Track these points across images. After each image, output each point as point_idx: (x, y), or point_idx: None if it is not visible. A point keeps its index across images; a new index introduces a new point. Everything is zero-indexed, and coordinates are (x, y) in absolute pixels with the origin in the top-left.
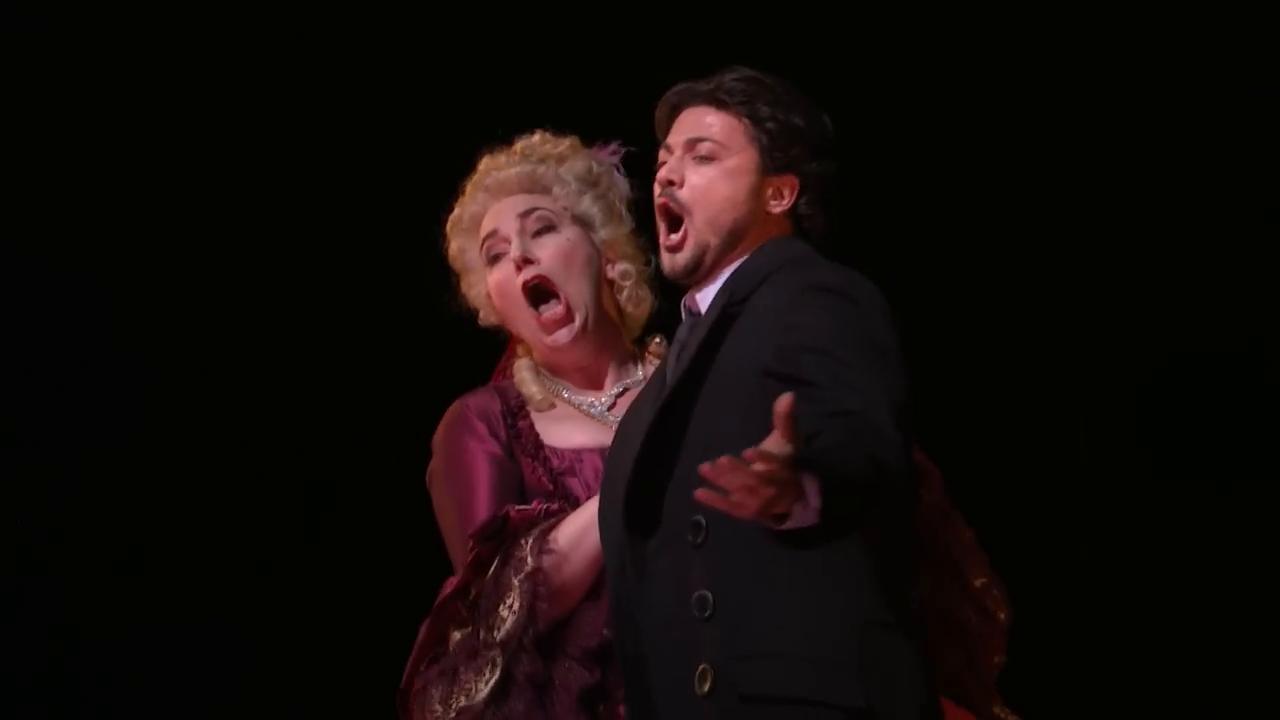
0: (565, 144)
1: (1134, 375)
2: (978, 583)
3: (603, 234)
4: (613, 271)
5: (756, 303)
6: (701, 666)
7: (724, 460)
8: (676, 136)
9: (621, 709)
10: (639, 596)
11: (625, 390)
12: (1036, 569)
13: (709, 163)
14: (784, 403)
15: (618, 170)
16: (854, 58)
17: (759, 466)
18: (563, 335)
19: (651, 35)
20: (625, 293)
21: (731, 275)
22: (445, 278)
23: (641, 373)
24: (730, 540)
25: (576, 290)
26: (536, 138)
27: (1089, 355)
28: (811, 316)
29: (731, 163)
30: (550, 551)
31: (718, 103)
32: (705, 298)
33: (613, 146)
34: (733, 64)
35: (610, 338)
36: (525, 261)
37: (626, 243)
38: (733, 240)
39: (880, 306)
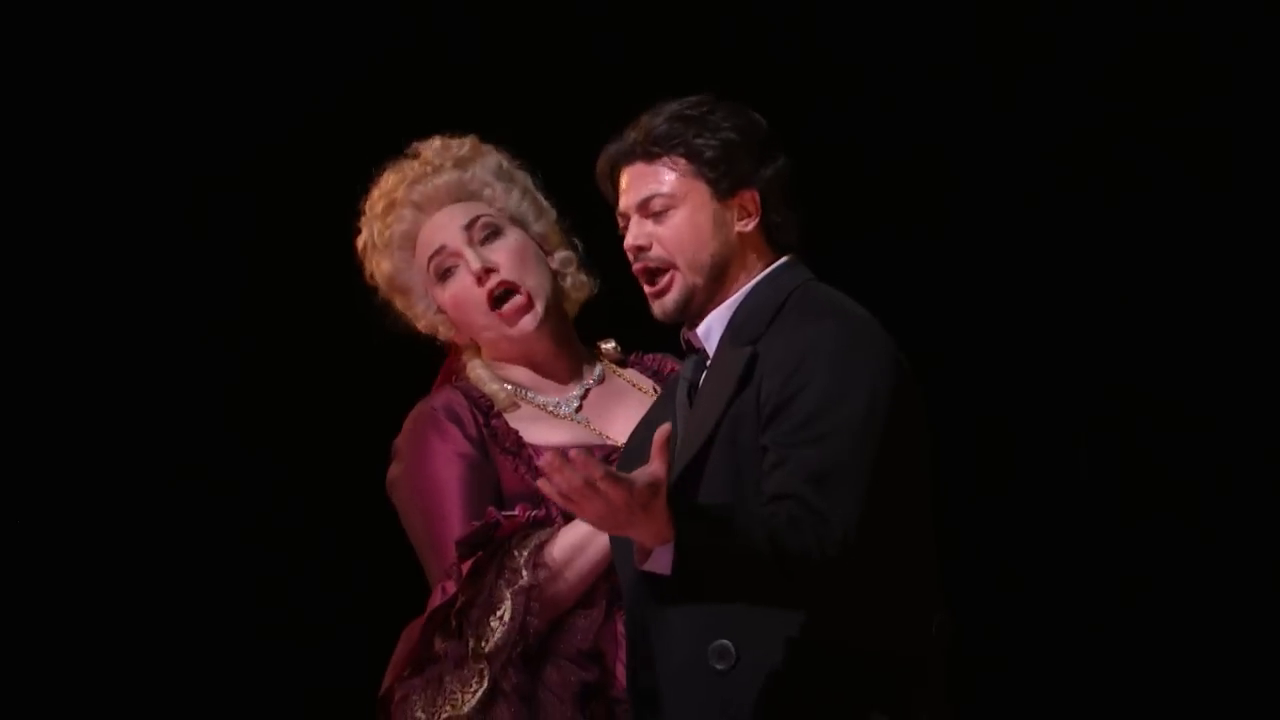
0: (468, 144)
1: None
2: None
3: (536, 228)
4: (554, 262)
5: (766, 350)
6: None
7: (551, 456)
8: (626, 202)
9: (613, 709)
10: (656, 638)
11: (588, 391)
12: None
13: (666, 215)
14: (661, 434)
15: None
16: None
17: (580, 472)
18: (528, 322)
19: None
20: (569, 279)
21: (734, 317)
22: (369, 297)
23: (599, 372)
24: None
25: (536, 283)
26: (438, 143)
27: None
28: (805, 380)
29: (688, 206)
30: (545, 566)
31: (648, 155)
32: (707, 333)
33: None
34: (665, 96)
35: (566, 332)
36: (486, 272)
37: (557, 231)
38: (717, 274)
39: (872, 354)
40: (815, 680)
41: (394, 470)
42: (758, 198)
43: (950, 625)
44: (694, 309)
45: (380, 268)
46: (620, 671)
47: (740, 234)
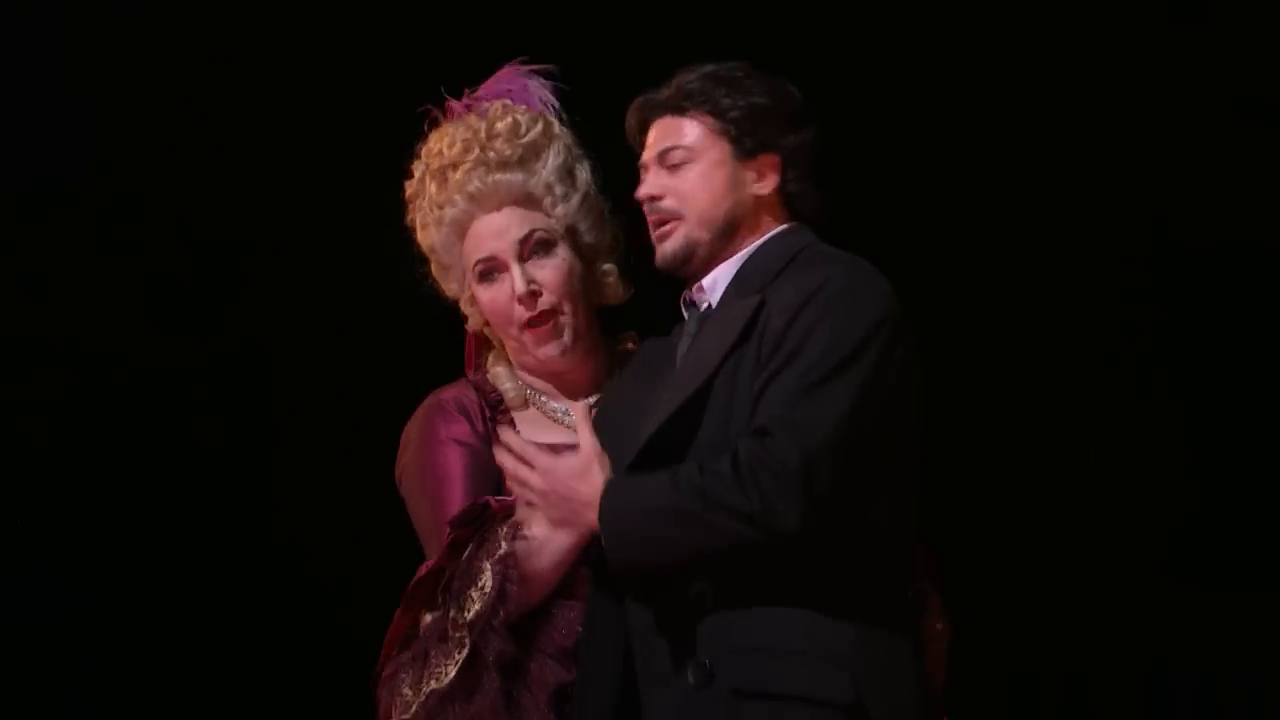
0: (540, 127)
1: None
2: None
3: (588, 238)
4: (597, 271)
5: (771, 302)
6: (696, 659)
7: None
8: (649, 153)
9: None
10: (638, 582)
11: (599, 401)
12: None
13: (683, 168)
14: (579, 407)
15: (558, 115)
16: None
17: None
18: (552, 349)
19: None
20: (609, 289)
21: (740, 271)
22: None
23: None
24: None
25: (571, 310)
26: (510, 120)
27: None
28: (813, 317)
29: (705, 161)
30: (524, 538)
31: (677, 109)
32: (713, 286)
33: (541, 88)
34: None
35: (593, 346)
36: (531, 296)
37: (608, 242)
38: (726, 230)
39: (868, 305)
40: (789, 624)
41: (402, 458)
42: (779, 162)
43: (923, 596)
44: (696, 263)
45: (425, 235)
46: None
47: (755, 195)
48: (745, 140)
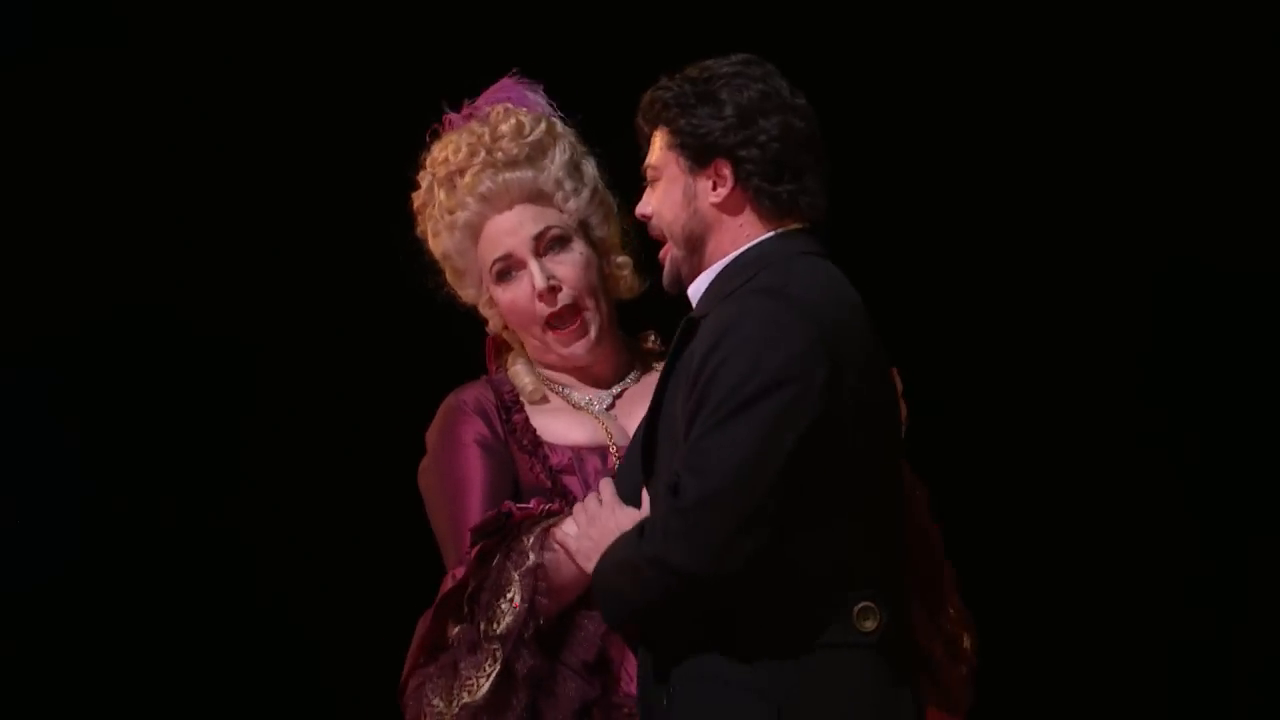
0: (543, 128)
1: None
2: (948, 615)
3: (599, 232)
4: (610, 265)
5: (703, 326)
6: (667, 686)
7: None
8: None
9: (612, 715)
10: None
11: (623, 391)
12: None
13: (655, 185)
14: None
15: (560, 116)
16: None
17: None
18: (580, 347)
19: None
20: (624, 283)
21: (716, 279)
22: (419, 255)
23: (637, 374)
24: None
25: (594, 304)
26: (513, 122)
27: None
28: (709, 370)
29: (665, 177)
30: (553, 549)
31: (649, 124)
32: (695, 298)
33: (539, 96)
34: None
35: (613, 338)
36: (550, 291)
37: (619, 234)
38: (693, 245)
39: (776, 349)
40: (722, 650)
41: (423, 462)
42: (729, 167)
43: (881, 612)
44: (684, 284)
45: (437, 242)
46: (624, 677)
47: (713, 204)
48: (691, 152)
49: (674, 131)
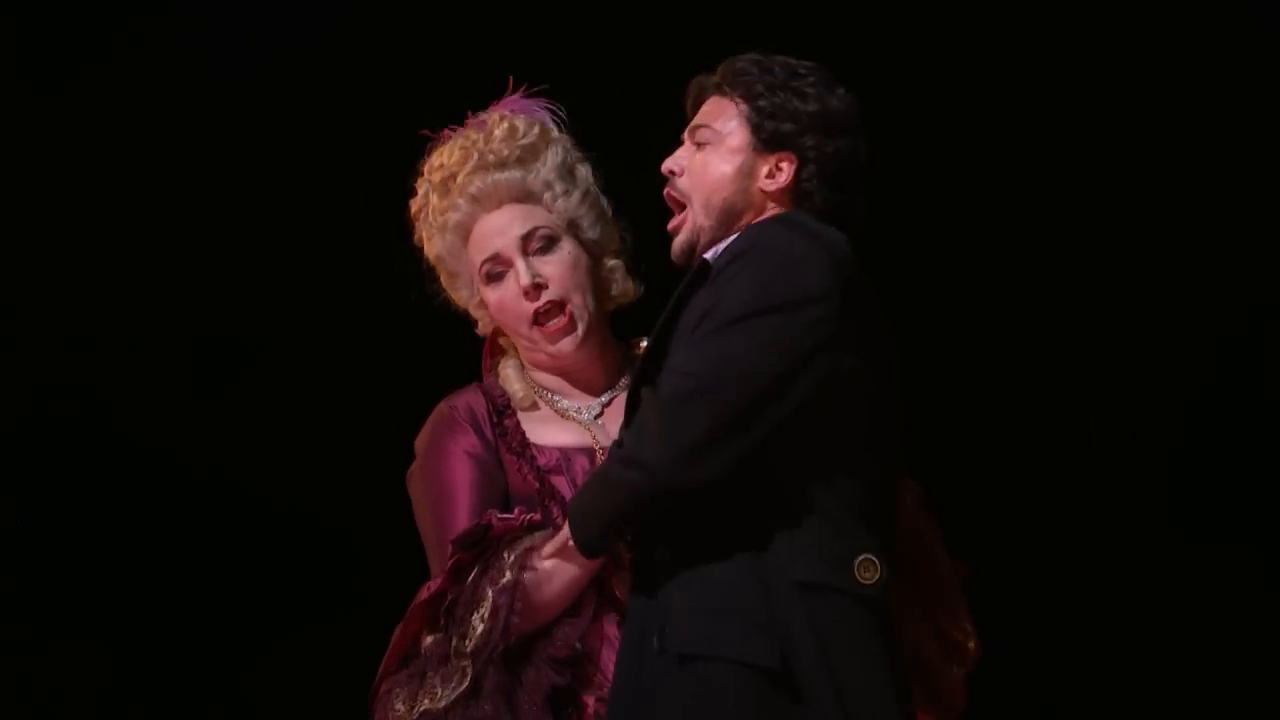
0: (536, 132)
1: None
2: (946, 618)
3: (590, 234)
4: (603, 268)
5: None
6: (659, 623)
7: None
8: (688, 127)
9: (583, 711)
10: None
11: (612, 400)
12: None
13: (704, 148)
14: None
15: (558, 121)
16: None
17: None
18: (567, 344)
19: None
20: (615, 286)
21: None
22: (417, 263)
23: (626, 381)
24: (689, 498)
25: (581, 301)
26: (506, 127)
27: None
28: (720, 283)
29: (724, 145)
30: (533, 569)
31: (719, 90)
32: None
33: (529, 101)
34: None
35: (604, 341)
36: (536, 289)
37: (612, 236)
38: (726, 221)
39: (797, 273)
40: (724, 585)
41: (411, 468)
42: (795, 161)
43: (881, 567)
44: (699, 251)
45: (430, 245)
46: (601, 674)
47: (763, 190)
48: (766, 132)
49: (754, 108)
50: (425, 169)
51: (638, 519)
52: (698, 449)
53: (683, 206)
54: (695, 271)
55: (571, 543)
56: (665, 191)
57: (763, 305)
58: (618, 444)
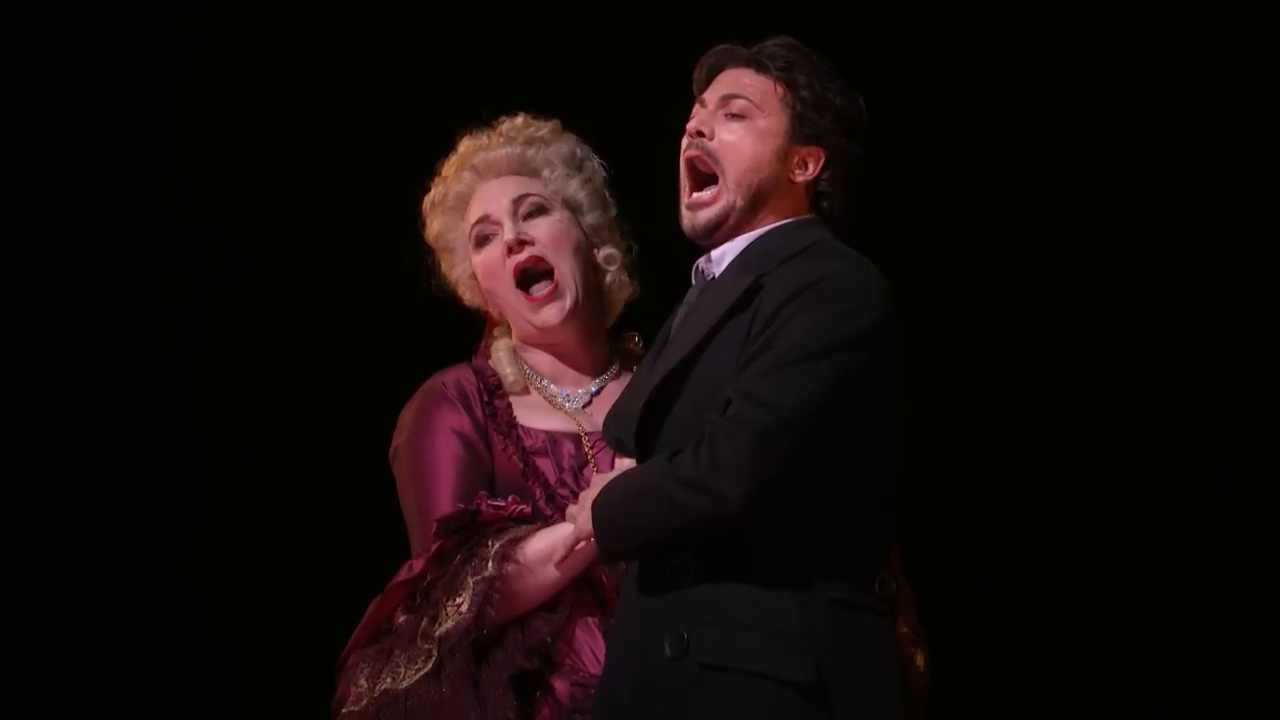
0: (549, 126)
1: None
2: (900, 633)
3: (589, 219)
4: (598, 256)
5: (769, 287)
6: (674, 630)
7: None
8: (713, 93)
9: (554, 696)
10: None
11: (601, 389)
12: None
13: (740, 120)
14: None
15: (597, 155)
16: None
17: None
18: (552, 313)
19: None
20: (610, 277)
21: (749, 249)
22: (423, 258)
23: (616, 370)
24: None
25: (568, 269)
26: (520, 119)
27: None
28: (785, 316)
29: (762, 123)
30: (514, 562)
31: (758, 65)
32: (720, 259)
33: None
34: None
35: (594, 326)
36: (519, 244)
37: (612, 228)
38: (755, 203)
39: (861, 307)
40: (756, 600)
41: (396, 439)
42: (823, 158)
43: (893, 587)
44: (723, 233)
45: (431, 225)
46: (589, 659)
47: (791, 181)
48: (804, 123)
49: (797, 96)
50: (442, 168)
51: (689, 541)
52: (775, 483)
53: (703, 174)
54: (743, 294)
55: (566, 547)
56: (688, 155)
57: (836, 341)
58: (670, 462)
